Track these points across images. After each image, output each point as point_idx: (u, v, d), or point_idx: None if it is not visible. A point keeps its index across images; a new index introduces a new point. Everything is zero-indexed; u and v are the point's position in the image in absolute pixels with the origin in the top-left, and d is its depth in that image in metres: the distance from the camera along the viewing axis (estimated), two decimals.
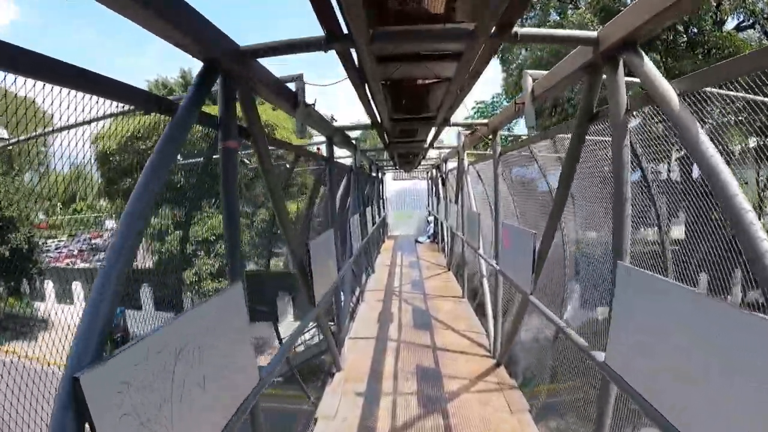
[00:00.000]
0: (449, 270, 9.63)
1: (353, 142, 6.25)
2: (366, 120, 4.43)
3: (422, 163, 12.62)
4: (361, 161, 6.66)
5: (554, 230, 2.99)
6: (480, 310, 9.06)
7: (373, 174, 11.28)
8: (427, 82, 3.83)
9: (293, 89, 2.95)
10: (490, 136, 5.35)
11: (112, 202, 19.00)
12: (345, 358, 5.01)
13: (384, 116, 4.24)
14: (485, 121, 4.53)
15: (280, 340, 4.70)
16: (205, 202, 17.81)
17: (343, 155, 9.51)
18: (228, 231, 2.08)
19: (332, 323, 6.14)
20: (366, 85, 3.31)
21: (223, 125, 2.08)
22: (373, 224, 9.15)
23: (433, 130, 6.15)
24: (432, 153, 13.19)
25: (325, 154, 4.57)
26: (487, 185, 7.18)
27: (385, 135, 6.31)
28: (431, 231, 15.25)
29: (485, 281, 5.75)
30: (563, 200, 2.82)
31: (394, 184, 19.87)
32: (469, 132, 5.41)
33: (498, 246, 4.59)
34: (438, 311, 6.71)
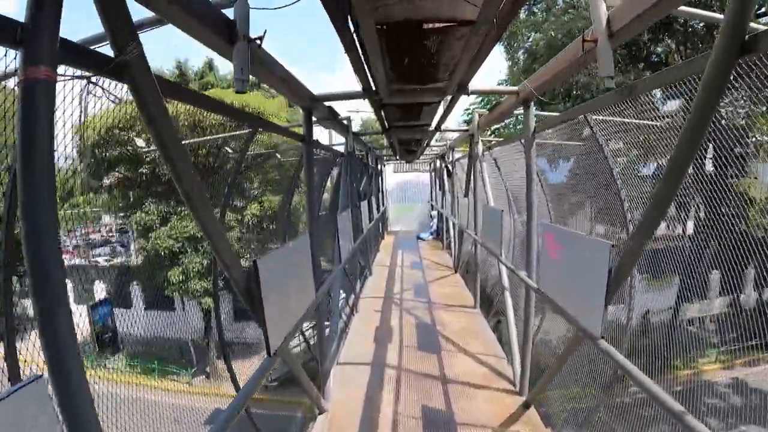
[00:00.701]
0: (456, 272, 8.54)
1: (344, 122, 5.13)
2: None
3: (425, 152, 11.50)
4: (354, 146, 5.54)
5: (648, 234, 1.88)
6: (494, 317, 7.99)
7: (371, 164, 10.15)
8: (438, 26, 2.71)
9: (231, 17, 1.83)
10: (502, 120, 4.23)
11: (97, 196, 18.02)
12: (331, 394, 3.94)
13: (380, 80, 3.11)
14: (514, 88, 3.40)
15: (236, 386, 3.60)
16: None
17: (336, 142, 8.36)
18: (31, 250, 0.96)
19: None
20: (349, 18, 2.19)
21: (29, 37, 0.97)
22: (371, 220, 8.05)
23: (441, 109, 5.04)
24: (434, 144, 12.05)
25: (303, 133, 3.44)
26: (507, 175, 6.06)
27: (383, 114, 5.20)
28: (434, 227, 14.14)
29: (507, 296, 4.66)
30: (675, 186, 1.70)
31: (394, 176, 18.71)
32: (492, 104, 4.27)
33: (531, 254, 3.49)
34: (446, 326, 5.63)
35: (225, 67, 28.78)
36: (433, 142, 10.14)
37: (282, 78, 2.46)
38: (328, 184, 9.45)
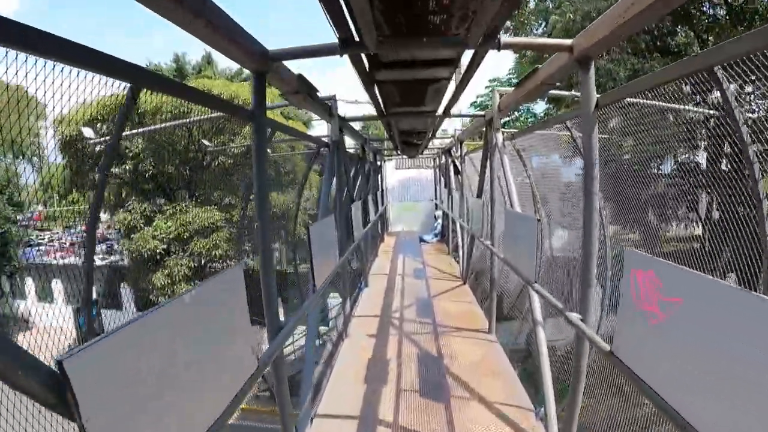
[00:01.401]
0: (465, 283, 7.44)
1: (327, 102, 4.03)
2: None
3: (430, 145, 10.42)
4: (340, 135, 4.43)
5: None
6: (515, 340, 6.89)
7: (369, 159, 9.03)
8: None
9: None
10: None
11: (82, 194, 17.04)
12: None
13: (364, 24, 2.01)
14: (566, 41, 2.29)
15: None
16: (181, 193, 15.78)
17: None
18: None
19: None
20: None
21: None
22: (368, 224, 6.97)
23: (452, 85, 3.94)
24: (438, 135, 10.93)
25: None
26: (539, 171, 4.94)
27: (378, 94, 4.11)
28: (439, 228, 13.03)
29: (540, 332, 3.55)
30: None
31: (395, 173, 17.58)
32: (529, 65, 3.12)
33: (588, 288, 2.38)
34: (456, 358, 4.54)
35: (224, 61, 28.09)
36: (437, 135, 9.03)
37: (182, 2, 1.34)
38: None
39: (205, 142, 8.26)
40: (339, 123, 4.26)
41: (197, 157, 15.41)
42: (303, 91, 2.88)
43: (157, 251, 13.79)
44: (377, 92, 4.15)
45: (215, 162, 14.38)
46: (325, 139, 5.03)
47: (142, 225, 14.13)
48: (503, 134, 4.41)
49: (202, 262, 14.32)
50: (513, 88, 3.66)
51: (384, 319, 5.78)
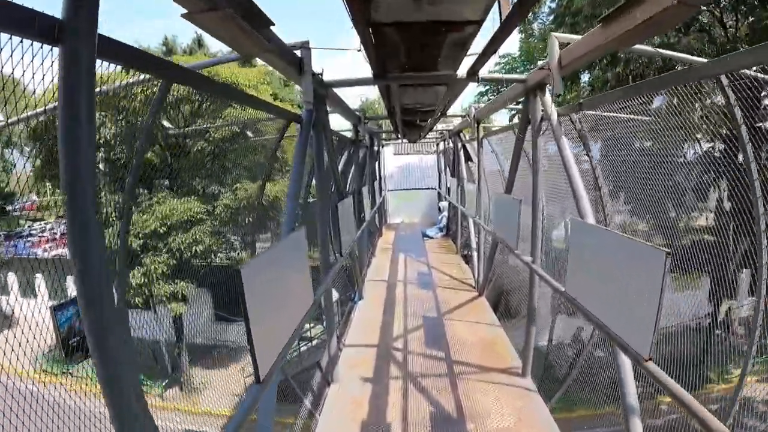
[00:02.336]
0: (482, 294, 6.13)
1: (296, 53, 2.62)
2: None
3: (438, 125, 9.01)
4: (315, 102, 2.98)
5: None
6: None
7: (365, 143, 7.60)
8: None
9: None
10: None
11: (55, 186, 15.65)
12: None
13: None
14: None
15: None
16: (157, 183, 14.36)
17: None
18: None
19: None
20: None
21: None
22: (362, 225, 5.62)
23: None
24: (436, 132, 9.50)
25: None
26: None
27: (374, 43, 2.73)
28: (443, 222, 11.68)
29: (635, 425, 2.22)
30: None
31: (394, 159, 16.13)
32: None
33: None
34: (484, 421, 3.25)
35: (216, 44, 26.99)
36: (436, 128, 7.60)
37: None
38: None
39: (166, 123, 6.81)
40: (316, 86, 2.85)
41: (179, 142, 14.00)
42: (225, 7, 1.48)
43: (132, 247, 12.44)
44: (373, 38, 2.76)
45: (195, 147, 12.94)
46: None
47: (114, 219, 12.76)
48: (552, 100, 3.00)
49: (183, 258, 13.01)
50: (589, 33, 2.26)
51: (383, 352, 4.47)
